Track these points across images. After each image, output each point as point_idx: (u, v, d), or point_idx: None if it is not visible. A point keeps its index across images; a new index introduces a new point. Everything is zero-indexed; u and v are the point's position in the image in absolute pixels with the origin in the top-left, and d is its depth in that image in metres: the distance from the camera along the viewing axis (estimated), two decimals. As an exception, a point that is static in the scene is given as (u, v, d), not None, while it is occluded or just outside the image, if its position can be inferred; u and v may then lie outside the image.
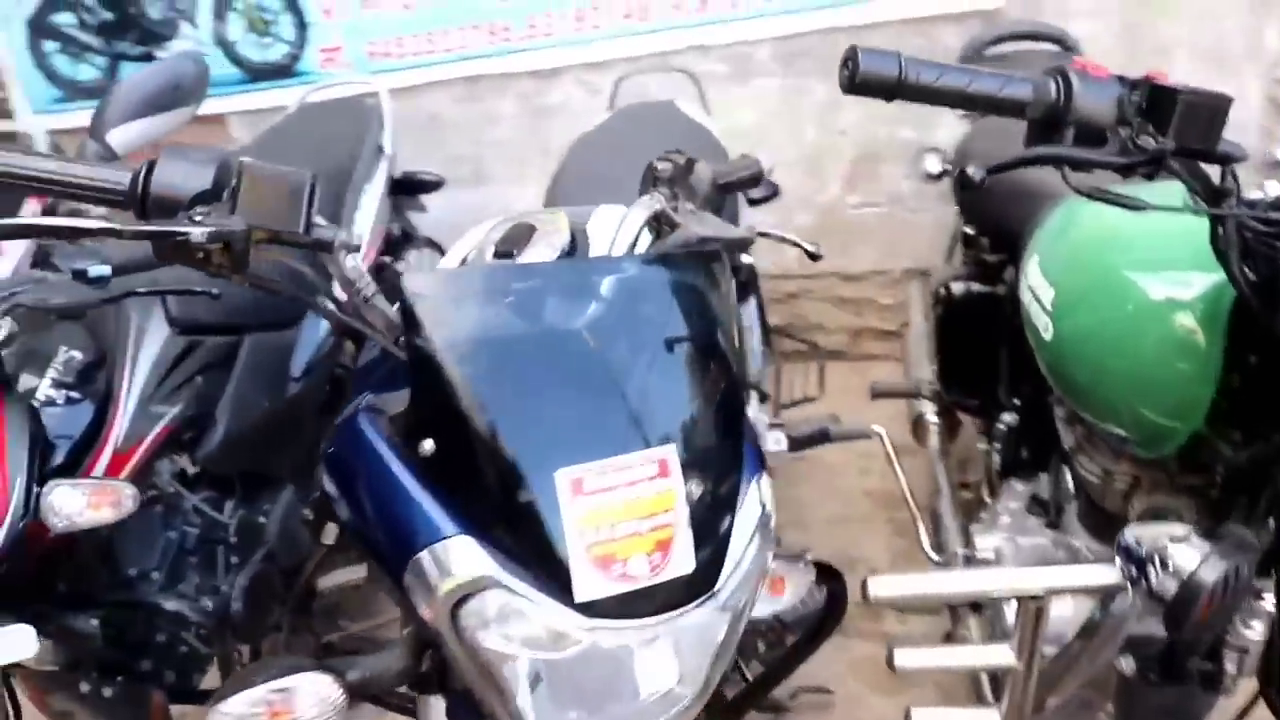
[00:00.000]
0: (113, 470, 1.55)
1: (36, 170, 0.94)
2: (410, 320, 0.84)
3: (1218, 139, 0.93)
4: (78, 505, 1.36)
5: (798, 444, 2.07)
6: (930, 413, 2.27)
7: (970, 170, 0.92)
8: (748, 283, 2.08)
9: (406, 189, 2.60)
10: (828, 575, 1.49)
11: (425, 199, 2.71)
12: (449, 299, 0.86)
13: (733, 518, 0.88)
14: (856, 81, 0.91)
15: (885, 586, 1.22)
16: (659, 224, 1.15)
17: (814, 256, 1.37)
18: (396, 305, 0.91)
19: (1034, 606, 1.23)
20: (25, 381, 1.52)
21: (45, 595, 1.58)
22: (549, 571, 0.80)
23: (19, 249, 1.60)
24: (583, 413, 0.83)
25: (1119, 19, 2.89)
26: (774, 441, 2.04)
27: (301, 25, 3.13)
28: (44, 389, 1.52)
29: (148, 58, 3.25)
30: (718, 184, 1.19)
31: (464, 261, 1.24)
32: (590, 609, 0.80)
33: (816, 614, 1.55)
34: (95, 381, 1.59)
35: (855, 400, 2.51)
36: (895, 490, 2.59)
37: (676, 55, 2.99)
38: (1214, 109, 0.91)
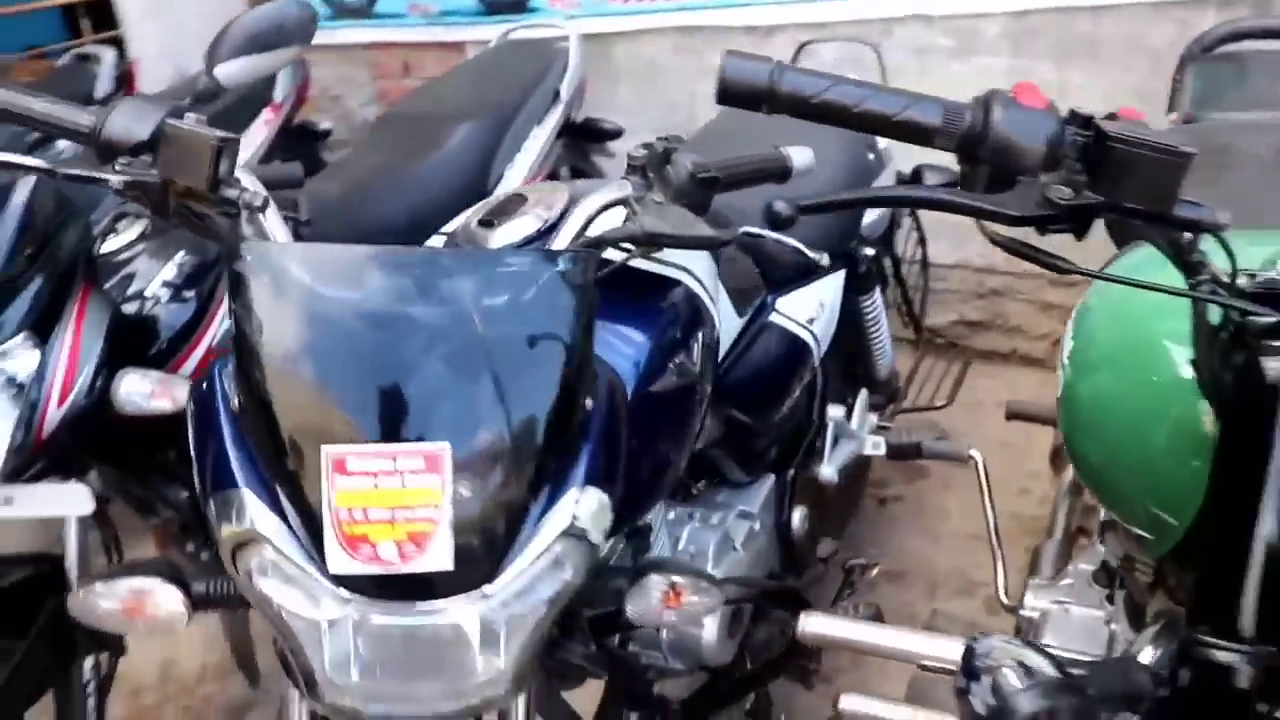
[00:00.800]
0: (205, 365, 1.72)
1: (18, 107, 1.05)
2: (233, 285, 0.88)
3: (1170, 201, 0.78)
4: (142, 393, 1.52)
5: (894, 452, 1.97)
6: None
7: (777, 205, 0.82)
8: (868, 274, 1.97)
9: (584, 134, 2.65)
10: (782, 593, 1.42)
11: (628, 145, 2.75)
12: (271, 270, 0.89)
13: (519, 524, 0.86)
14: (722, 88, 0.84)
15: (816, 625, 1.15)
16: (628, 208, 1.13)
17: (818, 266, 1.28)
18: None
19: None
20: (142, 278, 1.72)
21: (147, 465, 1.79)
22: (312, 539, 0.83)
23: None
24: (365, 397, 0.84)
25: None
26: (872, 446, 1.96)
27: (539, -41, 3.23)
28: (154, 286, 1.71)
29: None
30: (696, 177, 1.13)
31: (454, 231, 1.28)
32: (348, 583, 0.83)
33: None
34: (202, 286, 1.76)
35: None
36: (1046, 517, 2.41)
37: (899, 23, 2.83)
38: (1165, 164, 0.76)
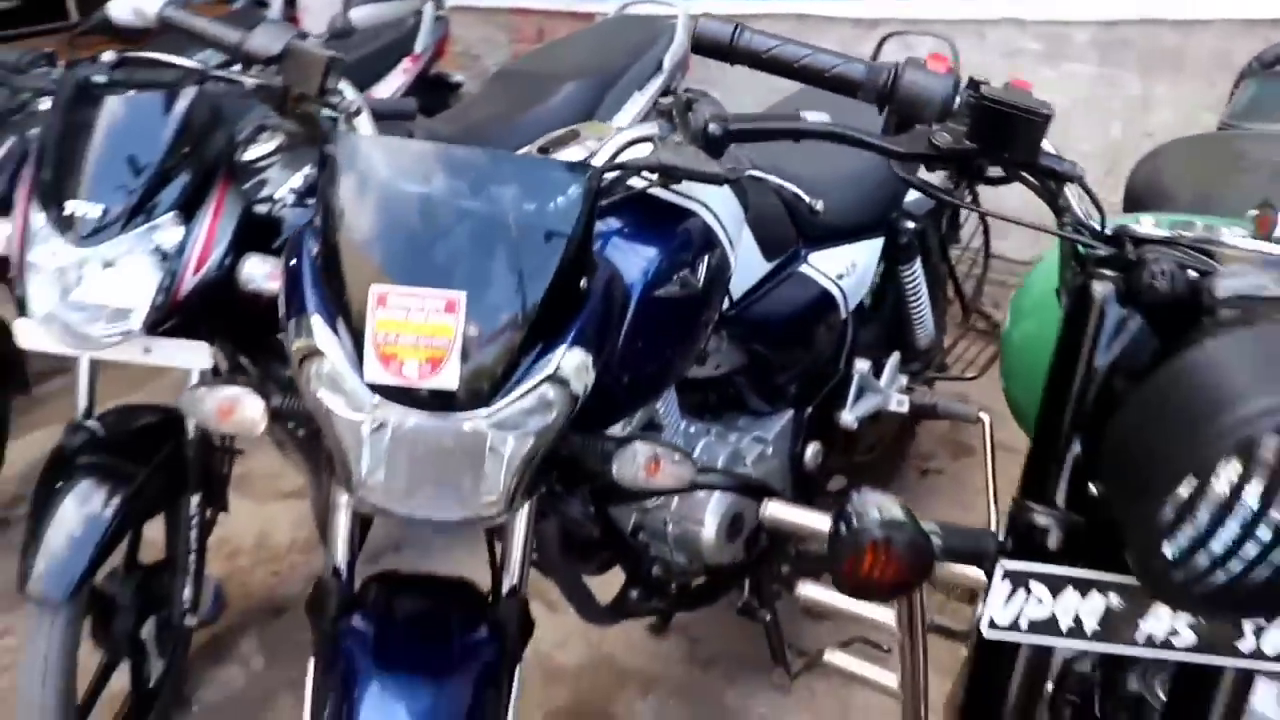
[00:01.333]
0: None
1: (185, 23, 1.35)
2: (322, 163, 1.15)
3: (1033, 152, 0.97)
4: (262, 274, 1.83)
5: (914, 411, 2.16)
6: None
7: (711, 126, 1.03)
8: (909, 246, 2.15)
9: (684, 105, 2.87)
10: (753, 492, 1.64)
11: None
12: (351, 154, 1.16)
13: (515, 365, 1.11)
14: (695, 42, 1.05)
15: (776, 510, 1.36)
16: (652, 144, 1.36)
17: (814, 211, 1.48)
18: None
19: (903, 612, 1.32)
20: (274, 184, 2.02)
21: (261, 344, 2.11)
22: (357, 355, 1.09)
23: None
24: (405, 253, 1.10)
25: None
26: (896, 403, 2.15)
27: (666, -55, 3.46)
28: (282, 191, 2.01)
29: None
30: (715, 126, 1.36)
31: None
32: (380, 391, 1.09)
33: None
34: (323, 195, 2.06)
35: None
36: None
37: (992, 25, 2.97)
38: (1029, 121, 0.95)
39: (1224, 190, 1.64)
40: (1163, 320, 0.90)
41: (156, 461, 1.89)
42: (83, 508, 1.77)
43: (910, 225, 2.12)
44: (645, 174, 1.34)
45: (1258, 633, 0.91)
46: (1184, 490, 0.78)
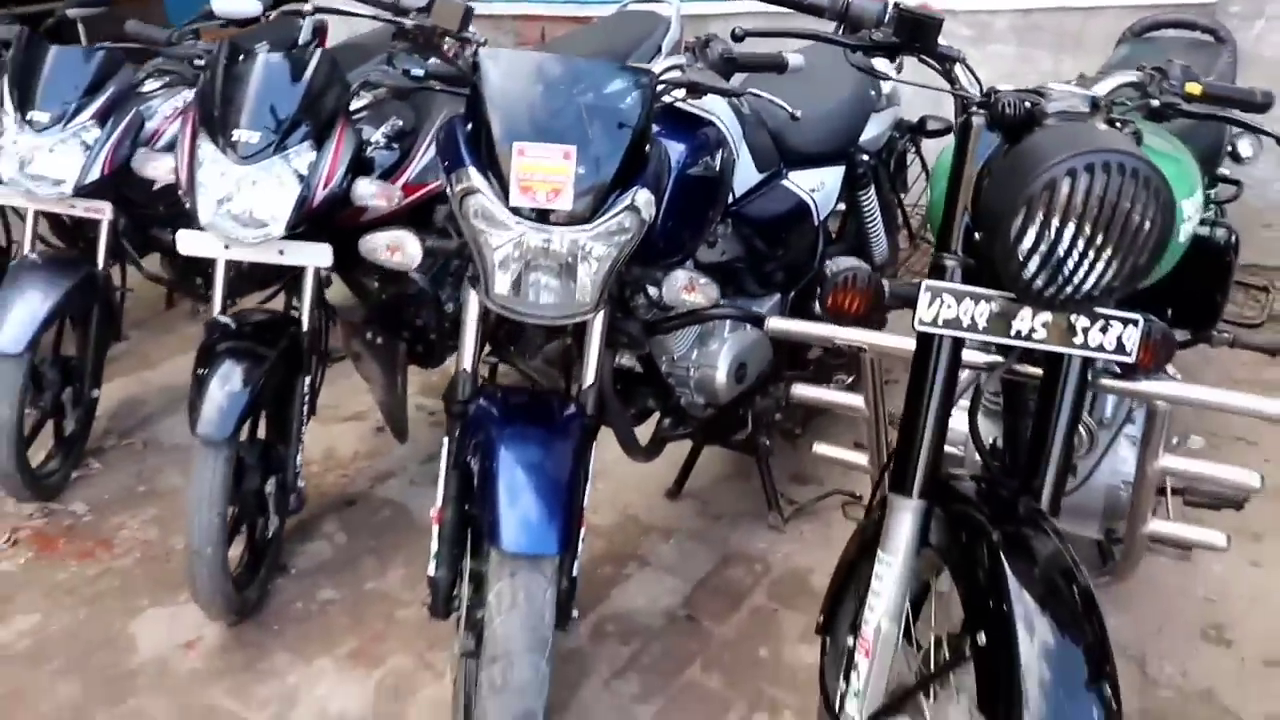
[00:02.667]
0: (404, 193, 2.56)
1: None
2: (474, 68, 1.71)
3: (933, 43, 1.54)
4: (370, 193, 2.37)
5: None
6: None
7: (736, 29, 1.60)
8: (864, 175, 2.74)
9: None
10: (756, 321, 2.19)
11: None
12: (493, 59, 1.72)
13: (605, 197, 1.66)
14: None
15: (778, 324, 1.91)
16: (681, 70, 1.94)
17: (794, 118, 2.04)
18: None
19: (867, 359, 1.88)
20: (366, 131, 2.57)
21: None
22: (504, 191, 1.65)
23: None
24: (537, 122, 1.65)
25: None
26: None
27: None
28: (376, 136, 2.57)
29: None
30: (724, 57, 1.94)
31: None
32: (519, 214, 1.64)
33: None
34: (407, 141, 2.62)
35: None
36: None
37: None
38: (929, 23, 1.53)
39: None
40: (1010, 132, 1.47)
41: (280, 348, 2.41)
42: (232, 376, 2.29)
43: (865, 158, 2.71)
44: (674, 92, 1.90)
45: (1085, 331, 1.47)
46: (1020, 222, 1.35)
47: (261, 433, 2.51)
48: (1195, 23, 2.78)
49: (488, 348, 2.14)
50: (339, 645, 2.45)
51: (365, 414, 3.46)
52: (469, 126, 1.73)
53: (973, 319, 1.45)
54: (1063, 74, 3.42)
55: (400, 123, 2.62)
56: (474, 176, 1.66)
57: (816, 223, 2.53)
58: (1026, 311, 1.45)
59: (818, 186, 2.51)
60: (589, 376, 1.87)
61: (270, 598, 2.62)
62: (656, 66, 1.90)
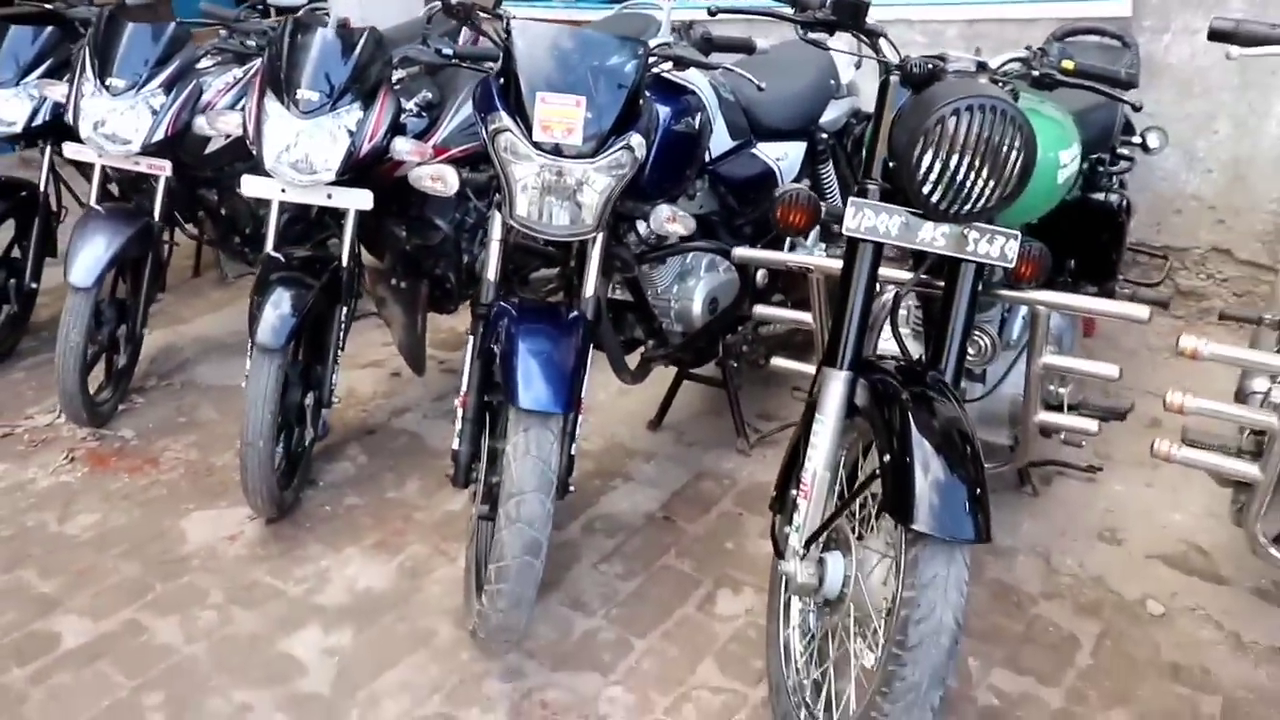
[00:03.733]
0: (434, 153, 3.00)
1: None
2: (508, 33, 2.17)
3: (862, 21, 1.99)
4: (406, 149, 2.81)
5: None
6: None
7: (711, 6, 2.08)
8: (824, 152, 3.20)
9: (664, 76, 3.92)
10: (726, 254, 2.64)
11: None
12: (522, 30, 2.17)
13: (606, 138, 2.11)
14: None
15: (746, 253, 2.36)
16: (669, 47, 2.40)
17: (760, 89, 2.50)
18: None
19: (813, 279, 2.33)
20: (401, 101, 3.02)
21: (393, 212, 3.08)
22: (528, 129, 2.09)
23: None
24: (555, 77, 2.10)
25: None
26: (818, 252, 3.17)
27: (647, -32, 4.53)
28: (409, 105, 3.02)
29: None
30: (704, 38, 2.40)
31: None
32: (540, 148, 2.09)
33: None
34: (434, 113, 3.06)
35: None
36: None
37: (889, 25, 4.05)
38: (858, 5, 1.98)
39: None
40: (917, 87, 1.93)
41: (324, 280, 2.84)
42: (284, 297, 2.70)
43: (824, 136, 3.18)
44: (662, 66, 2.36)
45: (975, 241, 1.91)
46: (918, 151, 1.80)
47: (302, 356, 2.93)
48: (1105, 30, 3.26)
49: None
50: (364, 538, 2.86)
51: (383, 361, 3.89)
52: (500, 82, 2.18)
53: (888, 228, 1.89)
54: (1004, 78, 3.90)
55: (429, 95, 3.07)
56: (504, 119, 2.11)
57: (779, 186, 2.99)
58: (929, 225, 1.89)
59: (782, 156, 2.97)
60: (589, 288, 2.31)
61: (301, 504, 3.02)
62: (650, 42, 2.35)
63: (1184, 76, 3.63)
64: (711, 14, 2.15)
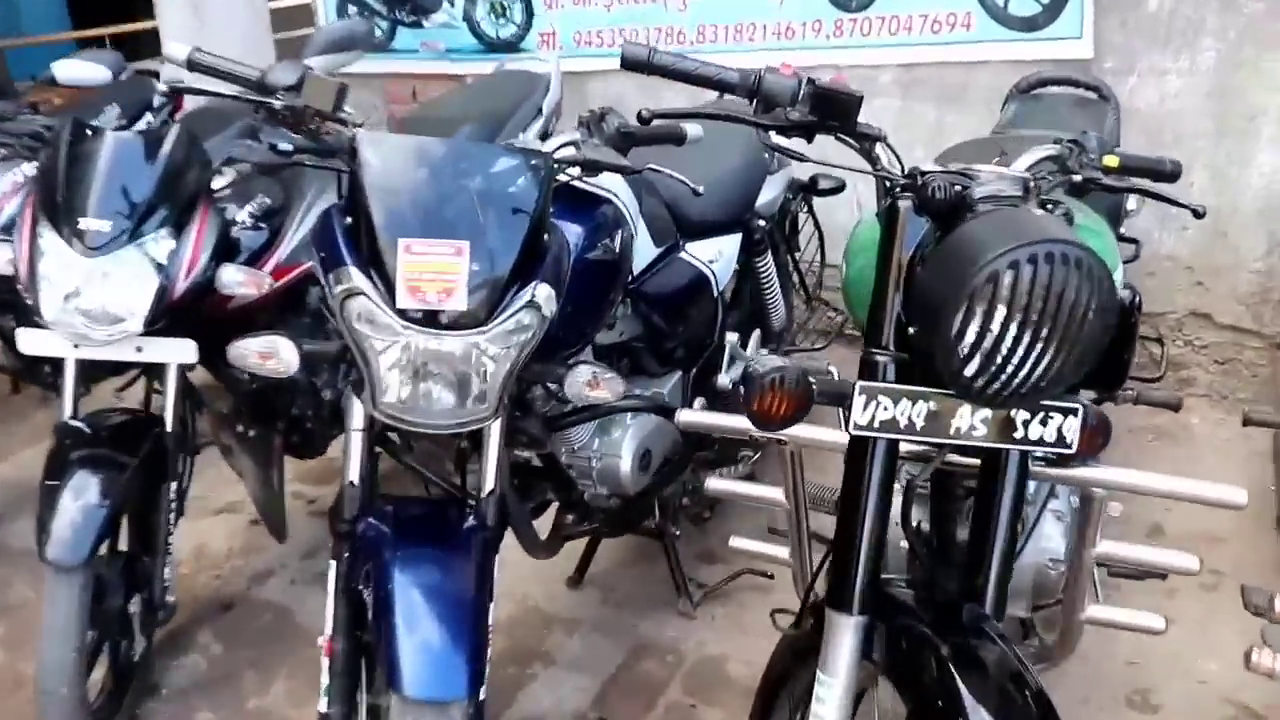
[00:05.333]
0: (275, 276, 2.36)
1: (219, 66, 1.73)
2: (351, 154, 1.55)
3: (852, 122, 1.45)
4: (237, 280, 2.17)
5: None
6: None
7: (643, 111, 1.49)
8: (760, 241, 2.66)
9: (560, 145, 3.34)
10: (666, 412, 2.07)
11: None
12: (374, 145, 1.56)
13: (502, 295, 1.52)
14: (623, 59, 1.50)
15: (692, 416, 1.79)
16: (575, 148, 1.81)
17: (696, 193, 1.94)
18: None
19: (788, 451, 1.77)
20: (231, 211, 2.37)
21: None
22: (389, 292, 1.48)
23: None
24: (424, 214, 1.51)
25: (1209, 80, 3.16)
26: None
27: (529, 12, 3.97)
28: (242, 215, 2.37)
29: (417, 25, 4.21)
30: (621, 132, 1.82)
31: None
32: (406, 316, 1.48)
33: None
34: (276, 220, 2.42)
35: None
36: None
37: (816, 70, 3.55)
38: (847, 101, 1.44)
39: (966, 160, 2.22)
40: (941, 218, 1.39)
41: (142, 454, 2.18)
42: (87, 489, 2.06)
43: (761, 223, 2.63)
44: (569, 171, 1.78)
45: (1025, 424, 1.38)
46: (960, 318, 1.26)
47: (123, 544, 2.27)
48: (1079, 80, 2.80)
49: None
50: (219, 774, 2.21)
51: (239, 505, 3.20)
52: (348, 219, 1.56)
53: (910, 420, 1.35)
54: (946, 127, 3.43)
55: (268, 200, 2.43)
56: (356, 277, 1.50)
57: (716, 294, 2.43)
58: (966, 409, 1.36)
59: (716, 257, 2.42)
60: (488, 482, 1.71)
61: (138, 725, 2.36)
62: (550, 144, 1.77)
63: (1153, 124, 3.20)
64: (643, 121, 1.57)
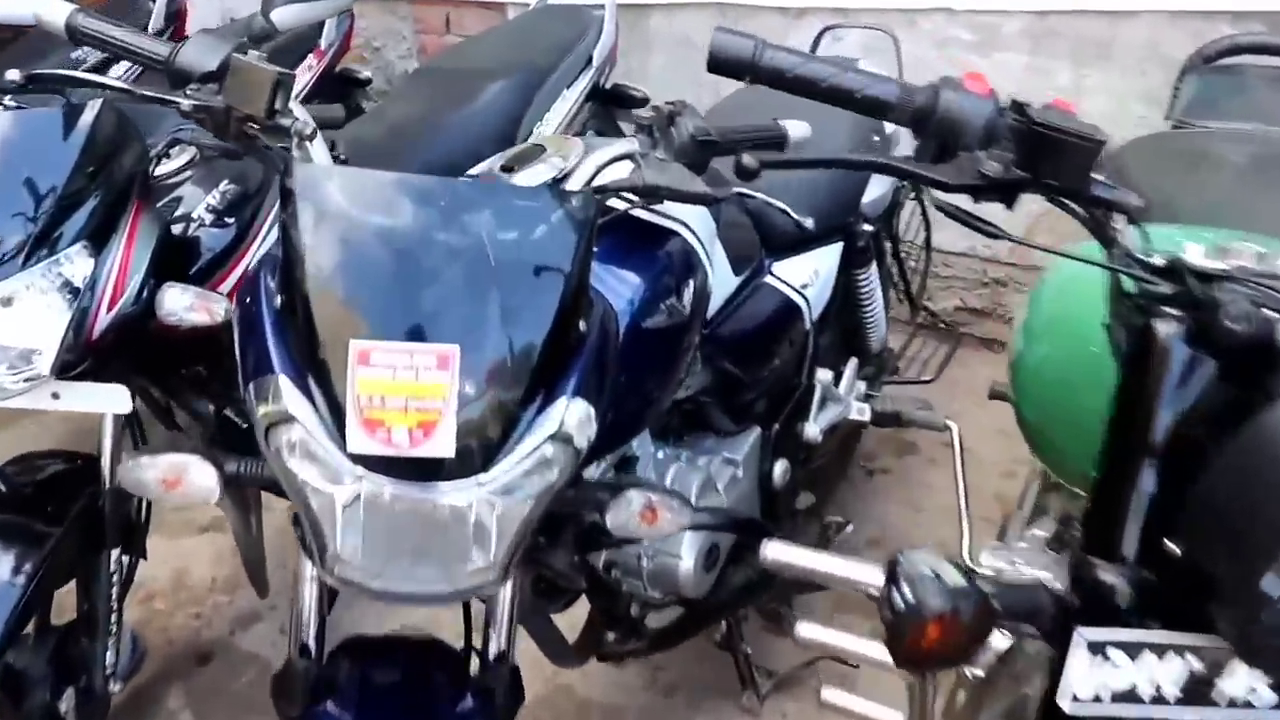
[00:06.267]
0: (243, 285, 1.85)
1: (103, 33, 1.18)
2: (284, 199, 1.00)
3: (1084, 180, 0.89)
4: (183, 306, 1.66)
5: (877, 419, 2.09)
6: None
7: (745, 159, 0.93)
8: (865, 250, 2.08)
9: (612, 100, 2.76)
10: (748, 524, 1.55)
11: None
12: (318, 189, 1.02)
13: (514, 424, 0.99)
14: (712, 57, 0.95)
15: (777, 551, 1.27)
16: (633, 163, 1.26)
17: (800, 226, 1.39)
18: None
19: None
20: (189, 201, 1.85)
21: (177, 377, 1.93)
22: (336, 422, 0.96)
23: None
24: (390, 302, 0.97)
25: None
26: (857, 411, 2.08)
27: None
28: (199, 210, 1.84)
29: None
30: (697, 140, 1.26)
31: (478, 175, 1.40)
32: (364, 462, 0.96)
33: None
34: (243, 213, 1.89)
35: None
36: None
37: (923, 14, 2.92)
38: (1082, 149, 0.88)
39: (1189, 192, 1.61)
40: (1238, 364, 0.84)
41: (71, 517, 1.71)
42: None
43: (867, 228, 2.05)
44: (627, 194, 1.22)
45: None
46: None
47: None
48: (1283, 47, 2.16)
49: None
50: None
51: (225, 522, 2.74)
52: (283, 295, 1.03)
53: (1157, 688, 0.83)
54: (1085, 91, 2.80)
55: (236, 186, 1.90)
56: (286, 394, 0.97)
57: (808, 326, 1.87)
58: (1241, 670, 0.83)
59: (810, 280, 1.85)
60: (497, 642, 1.21)
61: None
62: (597, 158, 1.21)
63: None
64: (749, 173, 1.01)
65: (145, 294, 1.63)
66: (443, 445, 0.95)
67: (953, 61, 2.89)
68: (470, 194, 1.04)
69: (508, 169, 1.36)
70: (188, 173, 1.86)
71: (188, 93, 1.13)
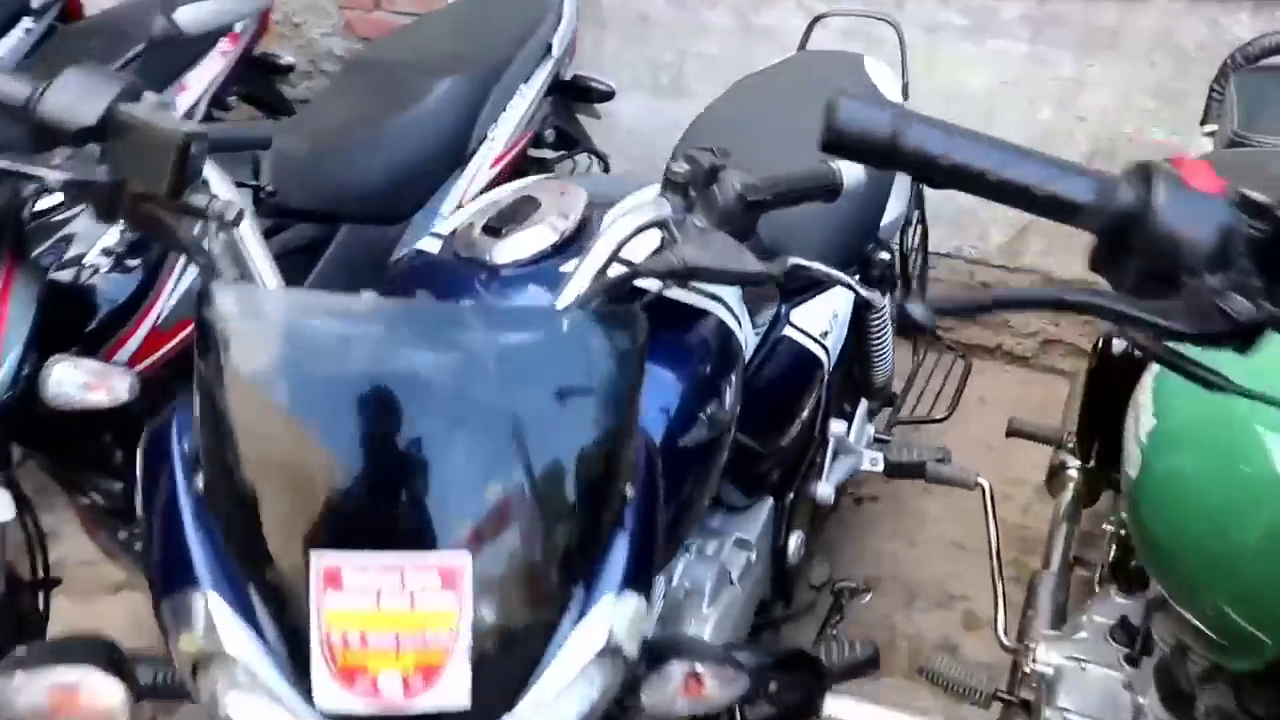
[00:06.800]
0: (148, 348, 1.53)
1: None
2: (202, 335, 0.70)
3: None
4: (76, 384, 1.33)
5: (894, 470, 1.85)
6: (1073, 468, 1.97)
7: (911, 307, 0.66)
8: (882, 279, 1.82)
9: (575, 93, 2.46)
10: (801, 663, 1.29)
11: (618, 104, 2.57)
12: (251, 321, 0.71)
13: (546, 643, 0.71)
14: (833, 133, 0.67)
15: (841, 708, 1.02)
16: (664, 232, 0.98)
17: (869, 304, 1.13)
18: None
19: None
20: (81, 241, 1.51)
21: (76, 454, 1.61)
22: (295, 662, 0.67)
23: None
24: (365, 490, 0.67)
25: None
26: (870, 462, 1.84)
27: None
28: (93, 254, 1.51)
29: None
30: (746, 200, 0.98)
31: (453, 233, 1.11)
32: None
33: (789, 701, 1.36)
34: (149, 254, 1.56)
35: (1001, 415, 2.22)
36: (1036, 533, 2.32)
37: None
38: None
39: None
40: None
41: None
42: None
43: (884, 257, 1.79)
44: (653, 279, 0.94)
45: None
46: None
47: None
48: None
49: None
50: None
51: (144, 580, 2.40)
52: (207, 475, 0.73)
53: None
54: (1089, 83, 2.57)
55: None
56: (220, 622, 0.68)
57: (826, 377, 1.61)
58: None
59: (830, 325, 1.59)
60: None
61: None
62: (620, 228, 0.92)
63: None
64: (922, 326, 0.74)
65: (27, 370, 1.31)
66: (453, 694, 0.67)
67: (942, 49, 2.63)
68: (471, 322, 0.74)
69: (492, 231, 1.07)
70: (77, 207, 1.52)
71: (56, 161, 0.81)
